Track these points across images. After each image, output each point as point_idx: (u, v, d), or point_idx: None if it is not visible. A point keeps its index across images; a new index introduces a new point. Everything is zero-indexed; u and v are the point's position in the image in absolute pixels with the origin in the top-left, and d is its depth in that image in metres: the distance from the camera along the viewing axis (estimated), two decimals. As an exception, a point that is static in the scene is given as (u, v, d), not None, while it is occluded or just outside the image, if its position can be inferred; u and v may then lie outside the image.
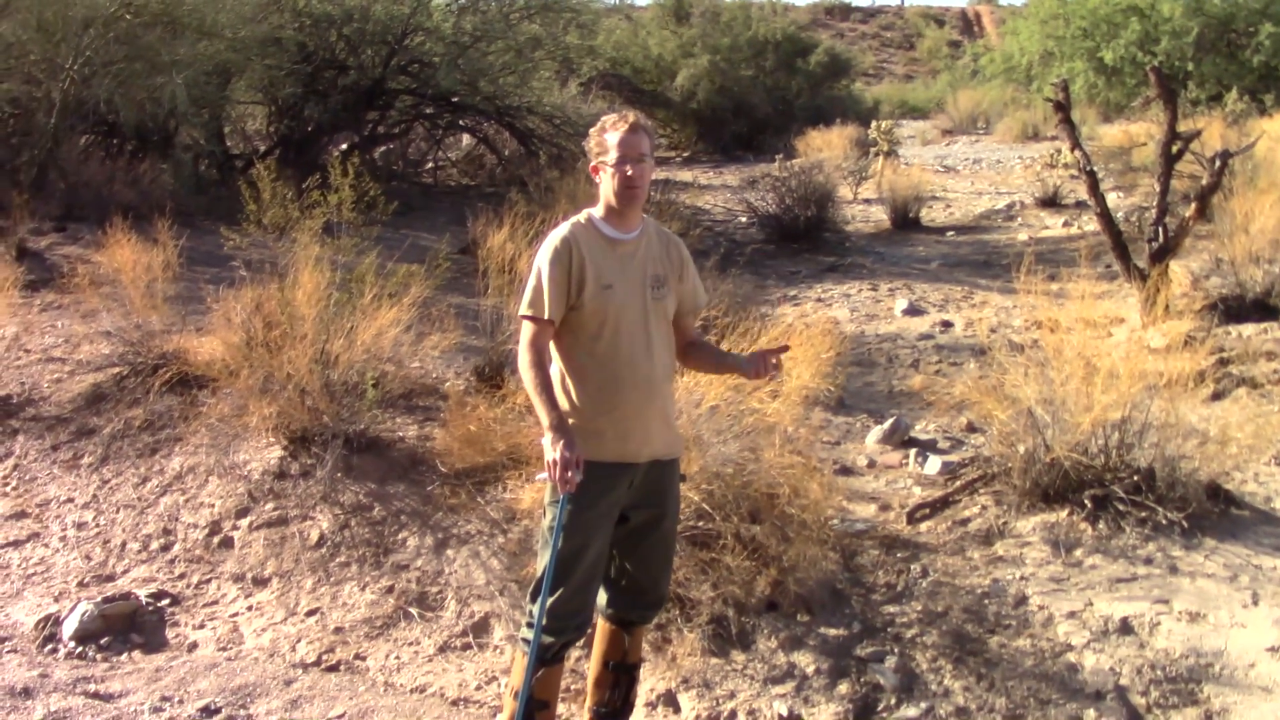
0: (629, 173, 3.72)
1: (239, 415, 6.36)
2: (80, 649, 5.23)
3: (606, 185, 3.79)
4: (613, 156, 3.75)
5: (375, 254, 7.04)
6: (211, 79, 12.77)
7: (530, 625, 3.84)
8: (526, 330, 3.76)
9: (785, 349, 4.06)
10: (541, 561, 3.83)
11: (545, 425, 3.63)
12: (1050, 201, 16.36)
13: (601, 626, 4.17)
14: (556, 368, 3.84)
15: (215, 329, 6.82)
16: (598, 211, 3.85)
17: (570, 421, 3.70)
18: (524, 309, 3.77)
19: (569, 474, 3.55)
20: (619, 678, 4.16)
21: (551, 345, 3.82)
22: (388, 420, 6.61)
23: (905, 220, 15.50)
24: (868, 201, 17.43)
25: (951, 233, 15.13)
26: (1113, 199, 15.49)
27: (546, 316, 3.71)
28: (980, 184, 19.78)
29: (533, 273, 3.79)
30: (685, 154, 27.48)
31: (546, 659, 3.85)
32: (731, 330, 5.64)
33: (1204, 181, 9.50)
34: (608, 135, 3.78)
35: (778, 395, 5.47)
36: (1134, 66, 24.02)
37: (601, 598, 4.08)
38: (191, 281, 8.65)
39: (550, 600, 3.75)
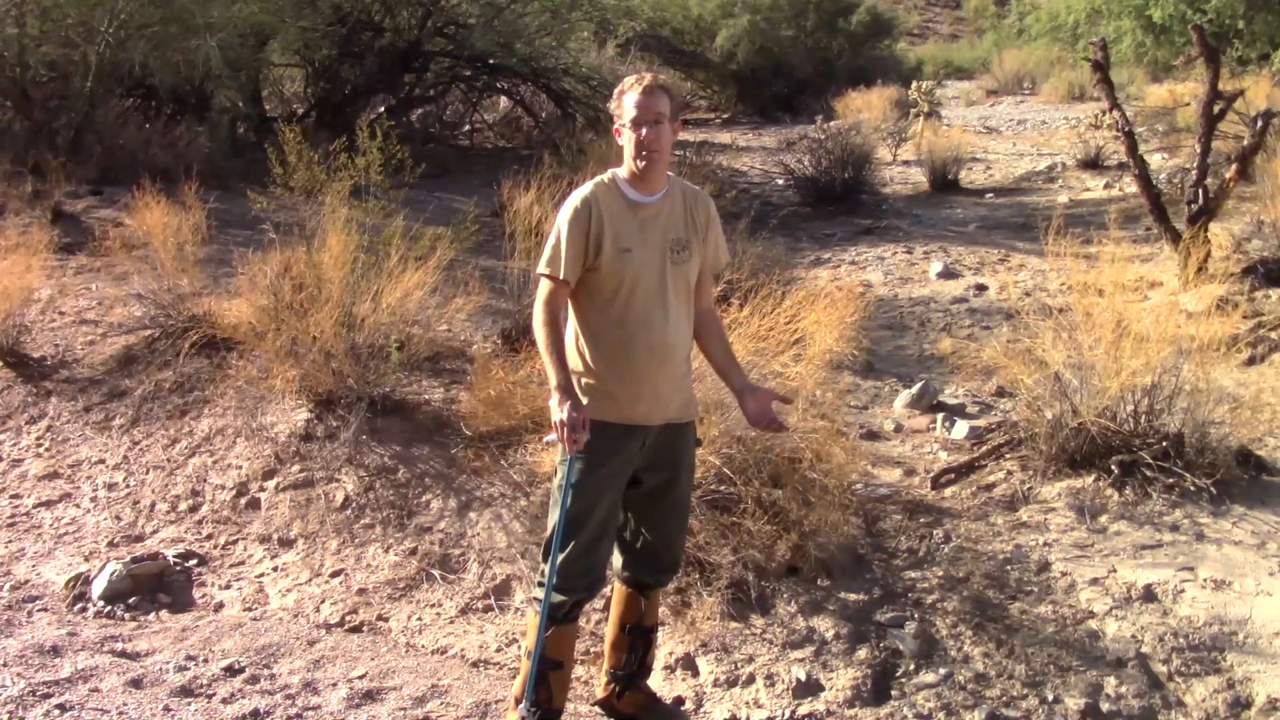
0: (644, 135, 3.70)
1: (266, 378, 6.40)
2: (109, 608, 5.30)
3: (627, 148, 3.77)
4: (629, 118, 3.72)
5: (402, 217, 7.04)
6: (246, 41, 12.78)
7: (541, 585, 3.86)
8: (543, 288, 3.77)
9: (788, 400, 4.02)
10: (551, 520, 3.84)
11: (552, 385, 3.64)
12: (1092, 163, 16.09)
13: (618, 590, 4.18)
14: (572, 327, 3.84)
15: (243, 292, 6.85)
16: (622, 172, 3.83)
17: (584, 382, 3.73)
18: (542, 266, 3.77)
19: (575, 434, 3.57)
20: (636, 641, 4.18)
21: (569, 305, 3.82)
22: (414, 383, 6.63)
23: (944, 182, 15.31)
24: (907, 163, 17.22)
25: (991, 195, 14.94)
26: (1156, 160, 15.29)
27: (562, 276, 3.71)
28: (1022, 145, 19.51)
29: (553, 231, 3.79)
30: (725, 115, 27.23)
31: (558, 618, 3.85)
32: (755, 293, 5.60)
33: (1246, 142, 9.31)
34: (625, 97, 3.75)
35: (800, 359, 5.44)
36: (1183, 24, 23.48)
37: (617, 561, 4.09)
38: (224, 244, 8.71)
39: (560, 558, 3.77)
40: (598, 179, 3.84)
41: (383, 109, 16.61)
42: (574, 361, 3.78)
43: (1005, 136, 20.92)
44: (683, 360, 3.92)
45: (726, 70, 27.37)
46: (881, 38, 30.75)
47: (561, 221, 3.76)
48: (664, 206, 3.84)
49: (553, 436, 3.68)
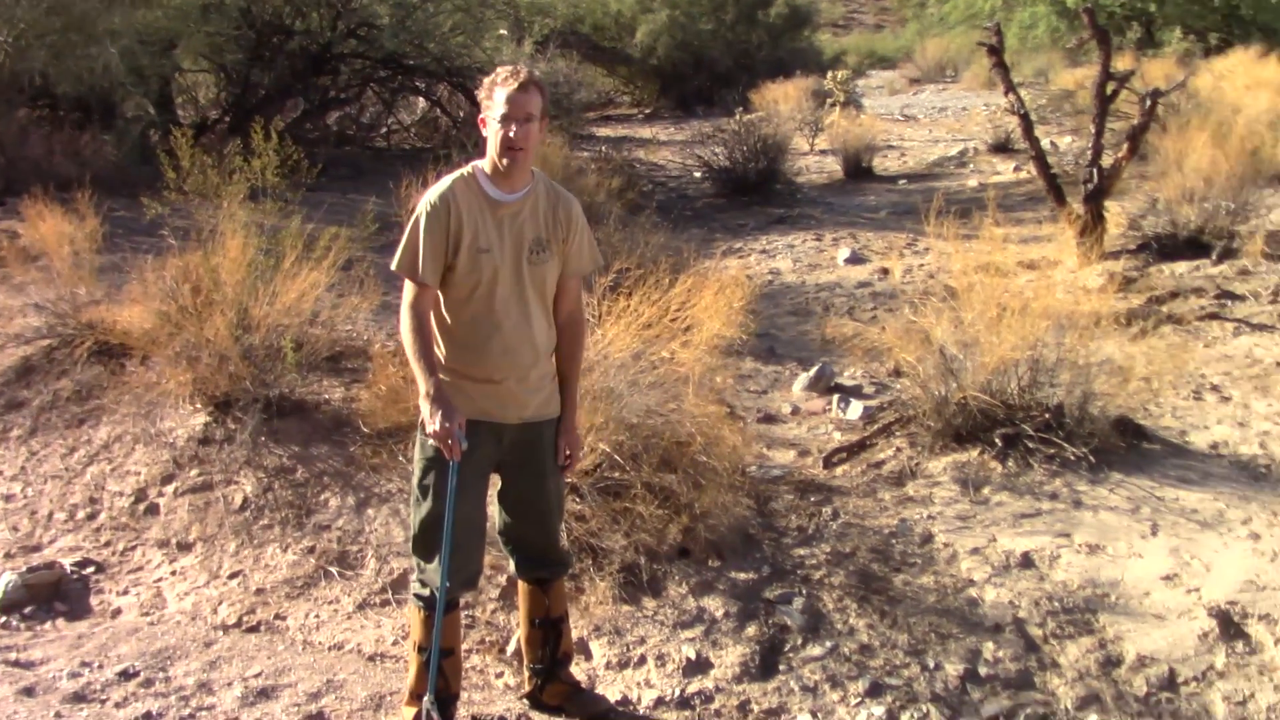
0: (512, 133, 3.61)
1: (163, 383, 6.38)
2: (4, 619, 5.26)
3: (491, 142, 3.68)
4: (498, 113, 3.63)
5: (301, 218, 7.02)
6: (152, 48, 12.64)
7: (422, 583, 3.90)
8: (408, 292, 3.71)
9: (571, 460, 4.02)
10: (412, 519, 3.87)
11: (422, 393, 3.62)
12: (1002, 147, 16.41)
13: (521, 587, 4.20)
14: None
15: (139, 298, 6.82)
16: (484, 165, 3.75)
17: (440, 378, 3.68)
18: (396, 265, 3.70)
19: (449, 443, 3.57)
20: (546, 634, 4.19)
21: None
22: (313, 383, 6.63)
23: (858, 170, 15.55)
24: (823, 153, 17.45)
25: (903, 181, 15.18)
26: (1065, 142, 15.60)
27: (422, 279, 3.65)
28: (938, 132, 19.82)
29: (409, 226, 3.70)
30: (647, 110, 27.37)
31: (442, 608, 3.89)
32: (642, 283, 5.67)
33: (1135, 121, 9.54)
34: (497, 91, 3.65)
35: (688, 345, 5.53)
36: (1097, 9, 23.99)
37: (512, 563, 4.14)
38: (126, 252, 8.65)
39: (438, 557, 3.77)
40: (457, 174, 3.77)
41: (298, 112, 16.56)
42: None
43: (922, 124, 21.23)
44: (542, 359, 3.87)
45: (647, 65, 27.48)
46: (800, 29, 31.00)
47: (419, 218, 3.68)
48: (525, 205, 3.77)
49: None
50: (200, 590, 5.37)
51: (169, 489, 6.00)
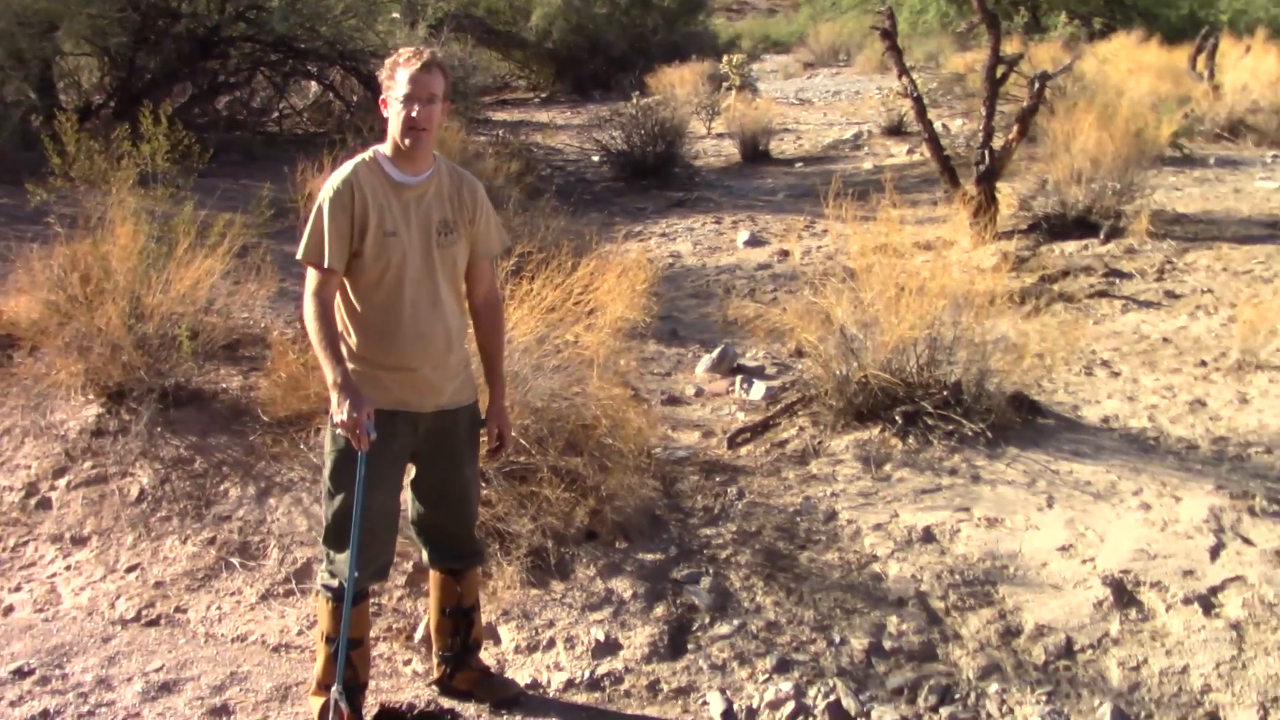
0: (415, 114, 3.57)
1: (52, 374, 6.21)
2: (-111, 622, 5.10)
3: (393, 123, 3.63)
4: (400, 93, 3.58)
5: (193, 204, 6.88)
6: (31, 30, 12.23)
7: (332, 574, 3.85)
8: (311, 279, 3.63)
9: (503, 446, 4.06)
10: (325, 511, 3.82)
11: (330, 383, 3.55)
12: (896, 130, 16.66)
13: (433, 576, 4.17)
14: (338, 313, 3.72)
15: (25, 288, 6.62)
16: (385, 149, 3.70)
17: (351, 368, 3.62)
18: (302, 253, 3.62)
19: (358, 433, 3.51)
20: (458, 622, 4.17)
21: None
22: (210, 372, 6.50)
23: (755, 153, 15.66)
24: (720, 136, 17.54)
25: (800, 164, 15.32)
26: (957, 125, 15.88)
27: (328, 265, 3.57)
28: (833, 115, 20.04)
29: (313, 213, 3.63)
30: (544, 94, 27.24)
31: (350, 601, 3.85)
32: (544, 267, 5.66)
33: (1024, 104, 9.75)
34: (399, 71, 3.60)
35: (592, 328, 5.53)
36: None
37: (425, 553, 4.11)
38: (10, 240, 8.38)
39: (349, 548, 3.71)
40: (358, 158, 3.71)
41: (187, 97, 16.16)
42: (341, 349, 3.65)
43: (817, 107, 21.45)
44: (457, 345, 3.84)
45: (543, 49, 27.34)
46: (695, 13, 31.12)
47: (323, 205, 3.61)
48: (429, 187, 3.73)
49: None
50: (96, 585, 5.24)
51: (61, 482, 5.84)
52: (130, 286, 6.10)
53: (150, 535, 5.47)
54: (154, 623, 4.99)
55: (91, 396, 6.20)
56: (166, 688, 4.38)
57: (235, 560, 5.26)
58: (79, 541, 5.52)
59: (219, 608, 5.04)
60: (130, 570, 5.29)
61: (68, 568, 5.39)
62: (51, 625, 4.95)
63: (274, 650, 4.74)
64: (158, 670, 4.54)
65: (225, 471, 5.77)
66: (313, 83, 18.18)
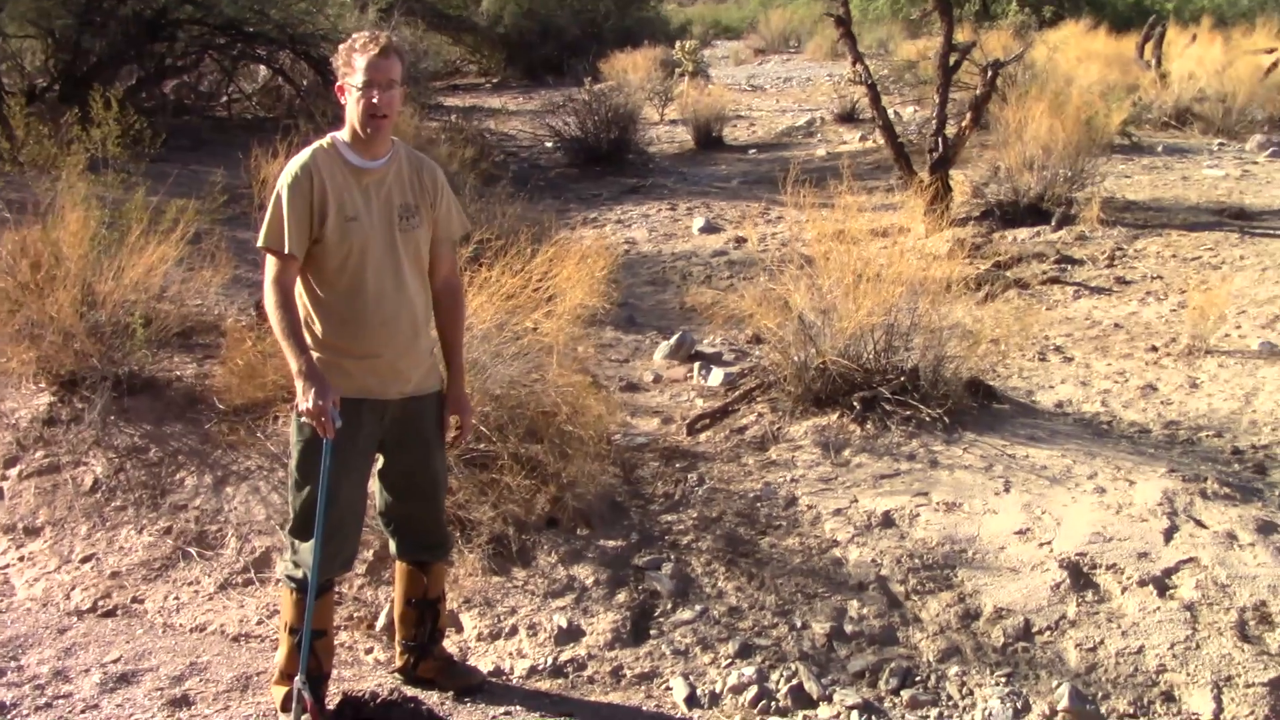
0: (375, 99, 3.54)
1: (2, 362, 6.12)
2: None
3: (352, 109, 3.60)
4: (359, 79, 3.54)
5: (145, 190, 6.78)
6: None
7: (296, 564, 3.82)
8: (271, 266, 3.59)
9: (460, 435, 4.05)
10: (292, 502, 3.79)
11: (294, 371, 3.51)
12: (848, 117, 16.74)
13: (399, 567, 4.14)
14: (300, 301, 3.69)
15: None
16: (343, 135, 3.66)
17: (315, 356, 3.59)
18: (262, 240, 3.59)
19: (323, 420, 3.48)
20: (423, 614, 4.14)
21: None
22: (164, 360, 6.43)
23: (708, 140, 15.69)
24: (674, 122, 17.55)
25: (754, 150, 15.36)
26: (909, 112, 15.97)
27: (288, 251, 3.54)
28: (785, 102, 20.08)
29: (272, 201, 3.61)
30: (495, 80, 27.10)
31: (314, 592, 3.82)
32: (503, 254, 5.64)
33: (977, 92, 9.82)
34: (356, 57, 3.56)
35: (551, 315, 5.52)
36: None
37: (393, 544, 4.08)
38: (-44, 227, 8.24)
39: (315, 540, 3.67)
40: (316, 144, 3.68)
41: (134, 80, 15.92)
42: (304, 337, 3.62)
43: (770, 94, 21.49)
44: (421, 330, 3.83)
45: (494, 34, 27.18)
46: (646, -1, 31.09)
47: (281, 191, 3.57)
48: (389, 171, 3.71)
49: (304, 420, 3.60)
50: (51, 576, 5.18)
51: (13, 472, 5.75)
52: (82, 273, 6.02)
53: (105, 525, 5.41)
54: (111, 613, 4.94)
55: (43, 385, 6.12)
56: (125, 679, 4.33)
57: (193, 550, 5.21)
58: (32, 532, 5.45)
59: (177, 598, 4.99)
60: (85, 560, 5.23)
61: (21, 559, 5.32)
62: (5, 617, 4.88)
63: (234, 640, 4.71)
64: (115, 661, 4.49)
65: (181, 460, 5.71)
66: (261, 67, 17.97)
